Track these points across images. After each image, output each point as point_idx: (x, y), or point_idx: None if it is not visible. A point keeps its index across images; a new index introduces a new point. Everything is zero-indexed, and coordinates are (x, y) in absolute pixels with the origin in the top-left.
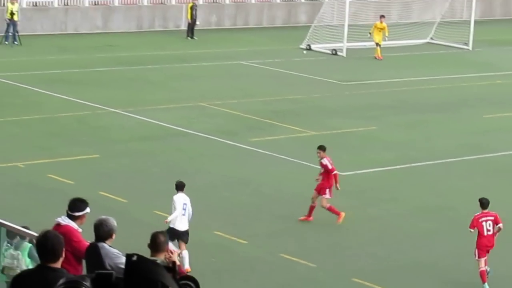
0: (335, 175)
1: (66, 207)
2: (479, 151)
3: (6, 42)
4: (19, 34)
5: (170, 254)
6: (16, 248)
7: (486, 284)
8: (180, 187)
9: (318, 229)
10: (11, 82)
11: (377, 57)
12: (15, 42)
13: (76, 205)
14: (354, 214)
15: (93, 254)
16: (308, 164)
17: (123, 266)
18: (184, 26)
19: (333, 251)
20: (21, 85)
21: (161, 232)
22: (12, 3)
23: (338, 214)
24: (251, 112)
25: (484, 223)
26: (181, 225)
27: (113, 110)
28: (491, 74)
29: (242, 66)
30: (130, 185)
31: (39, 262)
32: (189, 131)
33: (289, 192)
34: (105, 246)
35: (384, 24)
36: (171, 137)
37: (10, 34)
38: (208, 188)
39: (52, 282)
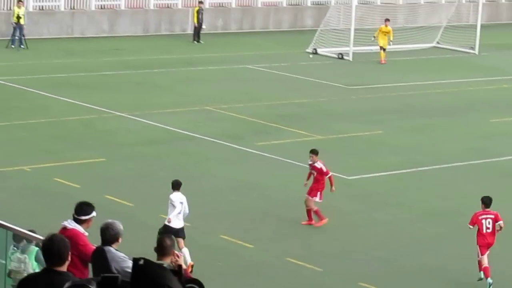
0: (330, 177)
1: (73, 211)
2: (485, 155)
3: (13, 46)
4: (26, 37)
5: (177, 257)
6: (23, 251)
7: (489, 278)
8: (176, 186)
9: (324, 233)
10: (17, 86)
11: (382, 62)
12: (22, 46)
13: (82, 209)
14: (361, 218)
15: (100, 258)
16: None
17: (129, 270)
18: (190, 30)
19: (339, 255)
20: (28, 89)
21: (168, 236)
22: (19, 7)
23: (322, 218)
24: (257, 116)
25: (483, 221)
26: (176, 223)
27: (119, 114)
28: (497, 79)
29: (248, 70)
30: (136, 189)
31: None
32: (195, 135)
33: (295, 196)
34: (112, 249)
35: (389, 28)
36: (177, 141)
37: (16, 37)
38: (214, 192)
39: (58, 286)
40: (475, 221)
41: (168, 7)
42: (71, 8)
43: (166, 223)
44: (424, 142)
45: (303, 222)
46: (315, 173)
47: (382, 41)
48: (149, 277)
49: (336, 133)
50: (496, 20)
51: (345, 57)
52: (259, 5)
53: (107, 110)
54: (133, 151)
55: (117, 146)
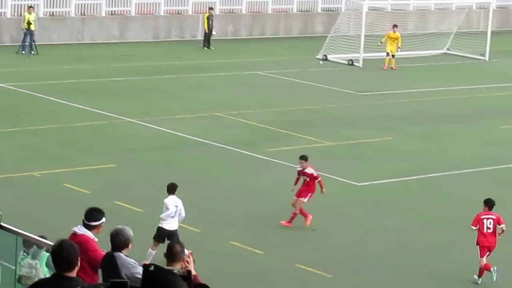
0: (320, 181)
1: (82, 217)
2: (495, 162)
3: (23, 52)
4: (36, 43)
5: (186, 264)
6: (34, 257)
7: (480, 279)
8: (171, 189)
9: (334, 239)
10: (28, 92)
11: (390, 67)
12: (32, 52)
13: (92, 215)
14: (371, 224)
15: (110, 264)
16: (324, 174)
17: (139, 276)
18: (200, 36)
19: (349, 261)
20: (38, 95)
21: (178, 242)
22: (29, 13)
23: (306, 216)
24: (267, 122)
25: (485, 221)
26: (169, 225)
27: (129, 119)
28: (508, 85)
29: (258, 76)
30: (146, 195)
31: None
32: (205, 141)
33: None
34: (122, 255)
35: (398, 34)
36: (187, 147)
37: (27, 43)
38: (224, 198)
39: None
40: (477, 221)
41: (178, 13)
42: (81, 14)
43: (159, 225)
44: (434, 149)
45: (283, 222)
46: (307, 179)
47: (391, 47)
48: (160, 283)
49: (346, 139)
50: (507, 26)
51: (355, 64)
52: (269, 11)
53: (117, 116)
54: (143, 157)
55: (127, 152)
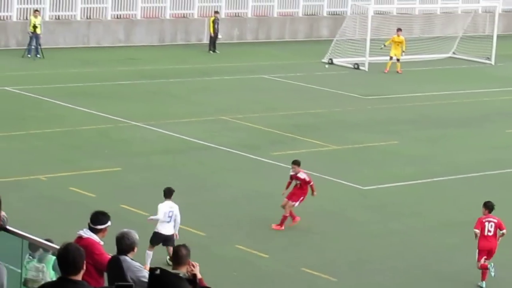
0: (312, 185)
1: (88, 220)
2: (501, 166)
3: (29, 55)
4: (42, 47)
5: (192, 267)
6: (40, 260)
7: (484, 282)
8: (168, 194)
9: (339, 243)
10: (33, 95)
11: (396, 71)
12: (38, 55)
13: (98, 218)
14: (376, 228)
15: (115, 267)
16: (330, 178)
17: (144, 280)
18: (206, 40)
19: (354, 265)
20: (44, 98)
21: (183, 246)
22: (35, 16)
23: (294, 217)
24: (273, 126)
25: (486, 224)
26: (165, 230)
27: (135, 123)
28: None
29: (264, 80)
30: (151, 198)
31: None
32: (211, 145)
33: (311, 206)
34: (127, 259)
35: (402, 38)
36: (192, 150)
37: (32, 47)
38: (229, 202)
39: None
40: (479, 224)
41: (184, 17)
42: (87, 18)
43: (155, 230)
44: (440, 153)
45: (274, 226)
46: (300, 183)
47: (395, 51)
48: (165, 286)
49: (352, 143)
50: None
51: (361, 67)
52: (275, 15)
53: (122, 120)
54: (149, 161)
55: (132, 155)
